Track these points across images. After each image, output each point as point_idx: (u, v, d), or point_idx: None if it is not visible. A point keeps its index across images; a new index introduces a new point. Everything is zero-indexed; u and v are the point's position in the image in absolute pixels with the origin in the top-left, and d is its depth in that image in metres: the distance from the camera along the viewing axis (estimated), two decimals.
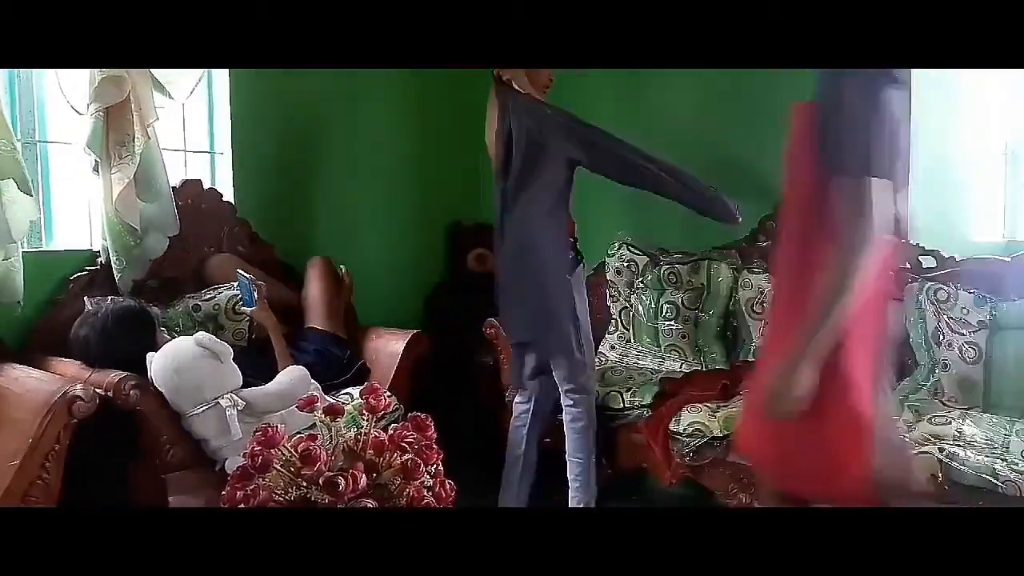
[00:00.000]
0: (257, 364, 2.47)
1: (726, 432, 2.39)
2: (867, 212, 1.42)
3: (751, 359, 2.87)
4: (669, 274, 3.11)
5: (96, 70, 2.43)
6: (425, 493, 1.64)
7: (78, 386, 2.00)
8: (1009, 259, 2.54)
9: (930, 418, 2.24)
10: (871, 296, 1.46)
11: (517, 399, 2.68)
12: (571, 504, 2.54)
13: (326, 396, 2.44)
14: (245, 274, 2.64)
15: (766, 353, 1.66)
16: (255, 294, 2.62)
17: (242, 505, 1.57)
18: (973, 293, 2.47)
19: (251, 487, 1.59)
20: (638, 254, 3.22)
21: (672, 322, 3.05)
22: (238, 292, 2.72)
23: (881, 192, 1.43)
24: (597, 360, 3.06)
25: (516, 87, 2.46)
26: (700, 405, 2.49)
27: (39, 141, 2.62)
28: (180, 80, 2.73)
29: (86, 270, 2.59)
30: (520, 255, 2.44)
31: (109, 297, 2.49)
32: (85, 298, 2.48)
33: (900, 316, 1.47)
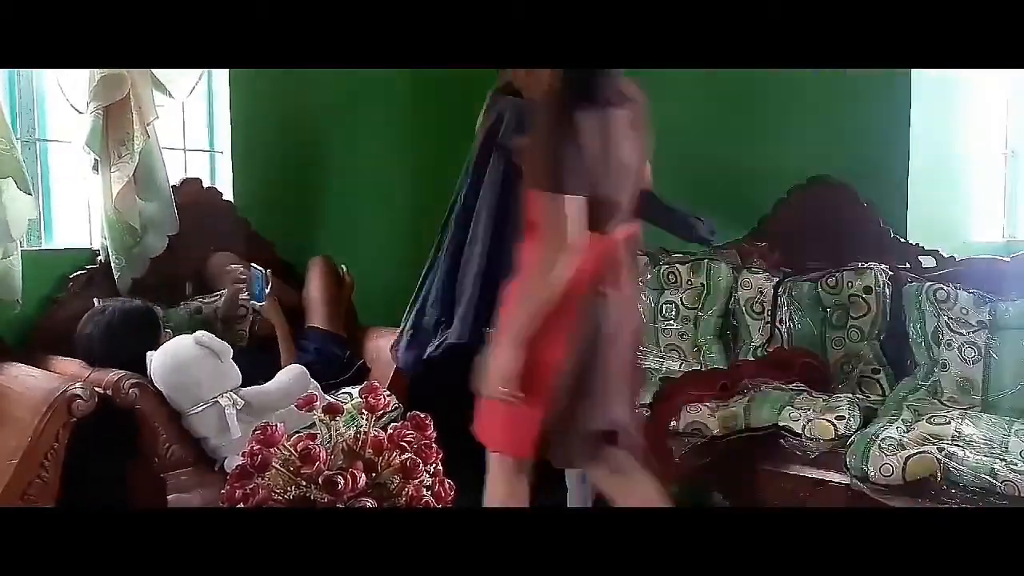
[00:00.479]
0: (257, 363, 2.47)
1: (726, 431, 2.39)
2: (560, 223, 1.65)
3: (751, 358, 2.87)
4: (669, 274, 3.10)
5: (96, 69, 2.43)
6: (424, 492, 1.64)
7: (77, 384, 2.01)
8: (1009, 259, 2.54)
9: (929, 418, 2.23)
10: (572, 290, 1.71)
11: None
12: (568, 504, 2.53)
13: (325, 395, 2.44)
14: (259, 267, 2.64)
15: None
16: (266, 290, 2.62)
17: (241, 504, 1.57)
18: (973, 293, 2.47)
19: (250, 486, 1.59)
20: (637, 253, 3.21)
21: (672, 322, 3.04)
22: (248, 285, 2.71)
23: (573, 205, 1.65)
24: None
25: (524, 96, 2.44)
26: (699, 405, 2.48)
27: (38, 140, 2.62)
28: (180, 79, 2.73)
29: (85, 269, 2.59)
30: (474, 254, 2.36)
31: (121, 299, 2.49)
32: (95, 300, 2.48)
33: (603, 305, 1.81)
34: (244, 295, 2.74)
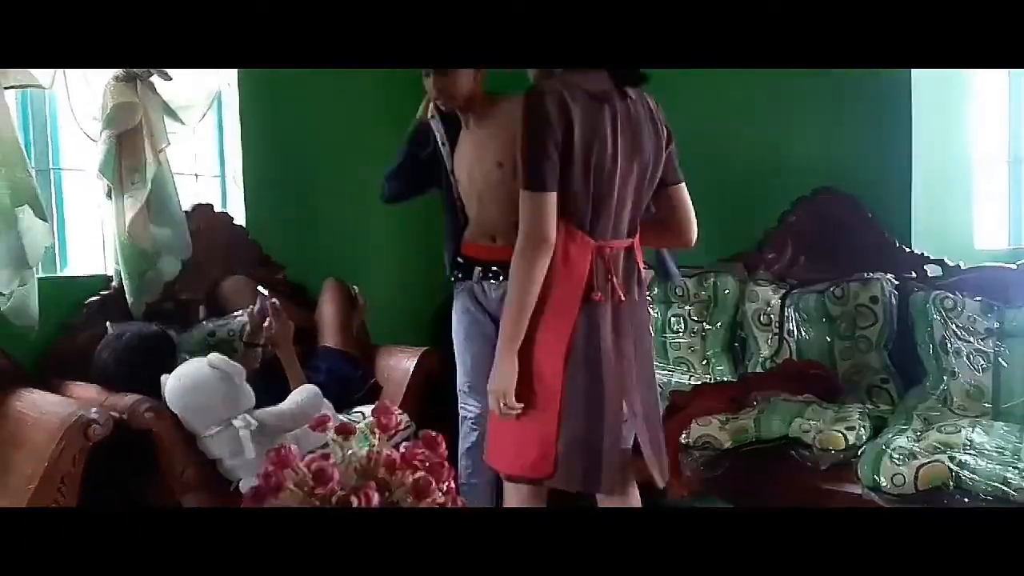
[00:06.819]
0: (270, 384, 2.48)
1: (736, 444, 2.40)
2: (529, 222, 1.61)
3: (759, 370, 2.88)
4: (675, 287, 3.12)
5: (109, 97, 2.47)
6: None
7: (93, 409, 2.02)
8: (1015, 266, 2.55)
9: (940, 427, 2.24)
10: (568, 295, 1.66)
11: None
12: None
13: (338, 415, 2.46)
14: (264, 290, 2.66)
15: None
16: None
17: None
18: (980, 301, 2.48)
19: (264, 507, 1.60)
20: (644, 268, 3.22)
21: (679, 335, 3.06)
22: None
23: (543, 204, 1.60)
24: None
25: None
26: (710, 418, 2.49)
27: (52, 168, 2.66)
28: (192, 106, 2.77)
29: (100, 295, 2.62)
30: None
31: (136, 324, 2.51)
32: (108, 323, 2.51)
33: (603, 314, 1.74)
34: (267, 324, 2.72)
